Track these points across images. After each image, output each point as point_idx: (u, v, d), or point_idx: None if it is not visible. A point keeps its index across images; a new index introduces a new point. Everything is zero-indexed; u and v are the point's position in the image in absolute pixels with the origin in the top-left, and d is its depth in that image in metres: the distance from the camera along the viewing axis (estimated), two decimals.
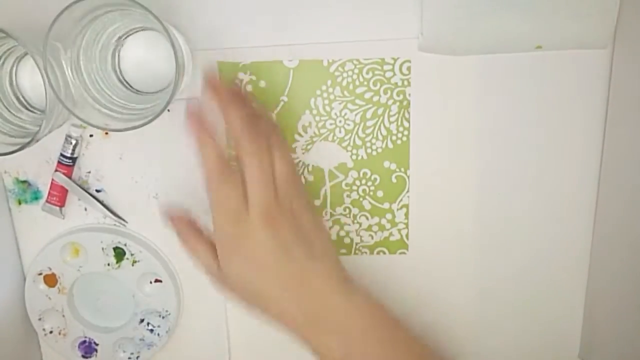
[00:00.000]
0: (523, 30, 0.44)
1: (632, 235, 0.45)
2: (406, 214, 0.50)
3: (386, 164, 0.49)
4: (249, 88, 0.47)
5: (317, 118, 0.48)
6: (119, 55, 0.44)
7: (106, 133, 0.48)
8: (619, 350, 0.48)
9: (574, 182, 0.49)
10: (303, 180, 0.49)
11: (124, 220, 0.50)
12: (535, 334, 0.54)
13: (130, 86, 0.44)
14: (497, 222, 0.51)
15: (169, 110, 0.46)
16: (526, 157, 0.49)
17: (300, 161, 0.49)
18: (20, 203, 0.50)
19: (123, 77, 0.44)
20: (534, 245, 0.51)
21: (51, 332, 0.53)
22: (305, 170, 0.49)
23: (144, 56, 0.44)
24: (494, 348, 0.52)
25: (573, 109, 0.47)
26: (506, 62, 0.46)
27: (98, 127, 0.40)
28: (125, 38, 0.43)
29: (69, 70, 0.40)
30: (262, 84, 0.47)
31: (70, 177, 0.48)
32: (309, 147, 0.49)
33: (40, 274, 0.51)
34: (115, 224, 0.50)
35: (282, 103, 0.47)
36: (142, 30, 0.43)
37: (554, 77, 0.46)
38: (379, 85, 0.47)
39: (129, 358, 0.53)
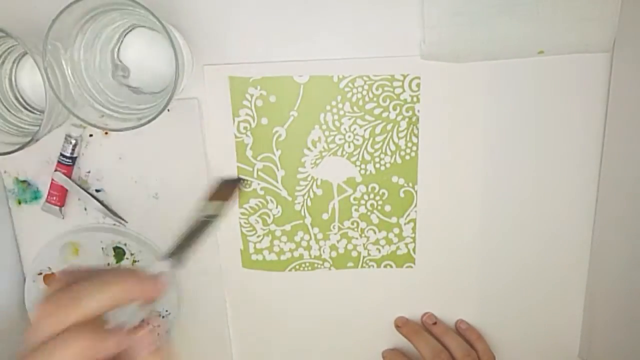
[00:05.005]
0: (524, 36, 0.44)
1: (632, 236, 0.46)
2: (413, 229, 0.50)
3: (394, 178, 0.49)
4: (259, 103, 0.47)
5: (327, 133, 0.48)
6: (118, 55, 0.44)
7: (106, 133, 0.48)
8: (618, 350, 0.48)
9: (575, 185, 0.49)
10: (312, 194, 0.50)
11: (123, 220, 0.50)
12: (535, 335, 0.54)
13: (130, 86, 0.44)
14: (502, 233, 0.51)
15: (168, 110, 0.46)
16: (534, 172, 0.49)
17: (309, 175, 0.49)
18: (20, 203, 0.50)
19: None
20: (535, 248, 0.51)
21: None
22: (314, 184, 0.49)
23: (144, 56, 0.44)
24: (495, 349, 0.53)
25: (574, 114, 0.47)
26: (514, 79, 0.46)
27: (98, 127, 0.40)
28: (125, 35, 0.43)
29: (69, 70, 0.40)
30: (272, 99, 0.47)
31: (70, 177, 0.48)
32: (318, 161, 0.49)
33: (40, 273, 0.51)
34: (115, 224, 0.50)
35: (291, 118, 0.47)
36: (142, 27, 0.43)
37: (555, 85, 0.46)
38: (388, 101, 0.47)
39: None
